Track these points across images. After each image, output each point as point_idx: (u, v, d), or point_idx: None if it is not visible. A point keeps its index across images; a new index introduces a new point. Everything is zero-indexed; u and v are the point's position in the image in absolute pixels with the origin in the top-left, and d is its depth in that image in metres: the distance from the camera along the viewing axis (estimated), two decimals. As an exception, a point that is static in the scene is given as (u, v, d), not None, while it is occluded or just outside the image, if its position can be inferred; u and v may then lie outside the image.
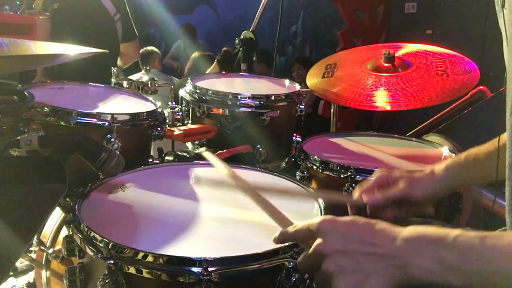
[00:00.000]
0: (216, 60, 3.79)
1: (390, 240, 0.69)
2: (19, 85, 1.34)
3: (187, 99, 1.60)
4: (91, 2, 2.52)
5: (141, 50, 4.73)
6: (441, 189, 1.04)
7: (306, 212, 1.01)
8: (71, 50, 1.08)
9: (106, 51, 1.19)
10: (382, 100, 1.62)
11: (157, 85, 1.64)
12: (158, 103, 1.48)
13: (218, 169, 1.10)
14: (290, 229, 0.77)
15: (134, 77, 1.68)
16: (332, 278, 0.69)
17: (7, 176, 0.87)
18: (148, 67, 1.73)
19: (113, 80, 1.68)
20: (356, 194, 1.02)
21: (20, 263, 1.51)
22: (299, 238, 0.77)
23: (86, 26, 2.43)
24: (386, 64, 1.73)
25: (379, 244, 0.69)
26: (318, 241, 0.71)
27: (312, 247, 0.72)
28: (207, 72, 3.44)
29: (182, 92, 1.64)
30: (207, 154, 1.15)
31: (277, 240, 0.79)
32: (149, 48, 4.81)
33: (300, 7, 7.01)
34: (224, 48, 4.10)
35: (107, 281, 0.78)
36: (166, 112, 1.58)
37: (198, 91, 1.57)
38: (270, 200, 0.92)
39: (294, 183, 1.17)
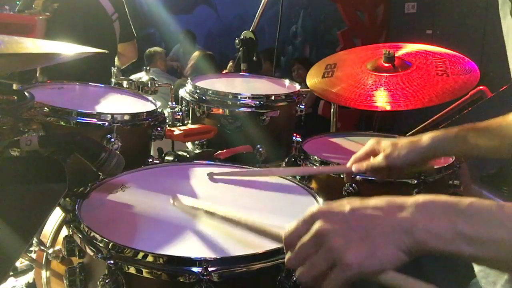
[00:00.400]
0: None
1: (395, 209, 0.65)
2: (19, 85, 1.35)
3: (187, 99, 1.60)
4: (89, 2, 2.52)
5: (146, 51, 4.78)
6: (422, 157, 1.11)
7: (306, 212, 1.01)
8: (70, 49, 1.08)
9: (106, 51, 1.19)
10: (382, 100, 1.62)
11: (157, 85, 1.64)
12: (158, 103, 1.48)
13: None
14: (287, 233, 0.69)
15: (134, 77, 1.68)
16: (339, 255, 0.62)
17: (7, 176, 0.87)
18: (148, 67, 1.72)
19: (113, 80, 1.68)
20: (349, 163, 1.18)
21: (20, 263, 1.51)
22: (298, 237, 0.68)
23: (85, 26, 2.43)
24: (386, 64, 1.73)
25: (384, 215, 0.64)
26: (318, 223, 0.65)
27: (312, 230, 0.65)
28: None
29: (182, 92, 1.64)
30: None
31: (287, 262, 0.69)
32: (153, 49, 4.84)
33: (300, 7, 7.02)
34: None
35: (107, 281, 0.78)
36: (166, 112, 1.58)
37: (198, 91, 1.57)
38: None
39: (294, 183, 1.17)
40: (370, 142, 1.17)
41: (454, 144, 1.09)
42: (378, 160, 1.13)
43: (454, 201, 0.64)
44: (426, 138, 1.10)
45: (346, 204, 0.67)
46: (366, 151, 1.17)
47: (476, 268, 0.88)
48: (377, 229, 0.63)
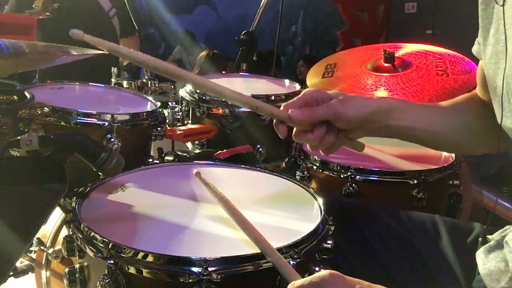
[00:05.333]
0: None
1: None
2: (19, 85, 1.35)
3: (187, 99, 1.60)
4: (87, 0, 2.52)
5: None
6: (375, 114, 0.95)
7: (306, 212, 1.01)
8: (72, 51, 1.08)
9: (107, 52, 1.18)
10: (382, 100, 1.62)
11: (157, 85, 1.65)
12: (158, 103, 1.48)
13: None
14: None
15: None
16: None
17: (7, 176, 0.87)
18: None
19: (113, 80, 1.68)
20: (281, 108, 0.94)
21: (20, 263, 1.51)
22: None
23: (85, 25, 2.43)
24: (386, 64, 1.73)
25: None
26: None
27: None
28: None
29: (182, 92, 1.64)
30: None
31: None
32: None
33: (300, 7, 7.03)
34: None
35: (107, 281, 0.78)
36: (166, 112, 1.58)
37: (198, 91, 1.57)
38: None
39: (294, 183, 1.17)
40: (308, 91, 0.96)
41: (409, 112, 0.96)
42: (326, 108, 0.92)
43: None
44: (379, 96, 1.02)
45: (357, 284, 0.70)
46: (304, 98, 0.94)
47: (480, 266, 0.88)
48: None
